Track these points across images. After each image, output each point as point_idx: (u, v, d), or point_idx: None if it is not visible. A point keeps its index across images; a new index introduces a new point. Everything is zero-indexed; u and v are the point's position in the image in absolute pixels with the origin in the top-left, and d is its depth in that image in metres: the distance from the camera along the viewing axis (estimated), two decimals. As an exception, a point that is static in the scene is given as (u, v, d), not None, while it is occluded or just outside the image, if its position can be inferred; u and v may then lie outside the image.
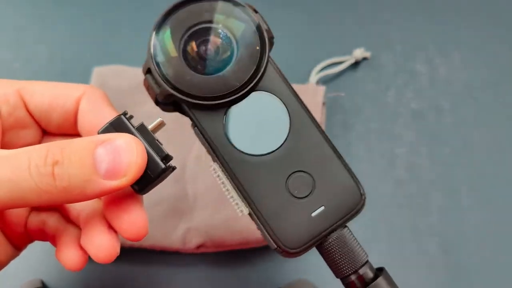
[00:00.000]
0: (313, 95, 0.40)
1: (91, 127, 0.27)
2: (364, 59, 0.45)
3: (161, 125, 0.25)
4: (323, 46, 0.46)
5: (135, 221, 0.25)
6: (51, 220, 0.29)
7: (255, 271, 0.38)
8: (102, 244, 0.25)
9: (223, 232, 0.37)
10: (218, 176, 0.25)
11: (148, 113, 0.40)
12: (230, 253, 0.38)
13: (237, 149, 0.24)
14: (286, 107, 0.25)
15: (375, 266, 0.27)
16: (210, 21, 0.25)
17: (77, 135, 0.28)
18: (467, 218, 0.39)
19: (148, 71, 0.25)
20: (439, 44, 0.46)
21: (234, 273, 0.37)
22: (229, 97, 0.24)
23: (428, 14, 0.47)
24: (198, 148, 0.39)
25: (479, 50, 0.45)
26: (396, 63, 0.45)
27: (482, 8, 0.47)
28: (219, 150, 0.24)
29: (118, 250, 0.26)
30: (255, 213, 0.24)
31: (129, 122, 0.24)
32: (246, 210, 0.24)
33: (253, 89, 0.25)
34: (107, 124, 0.24)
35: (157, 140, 0.24)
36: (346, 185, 0.25)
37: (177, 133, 0.39)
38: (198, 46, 0.25)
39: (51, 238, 0.29)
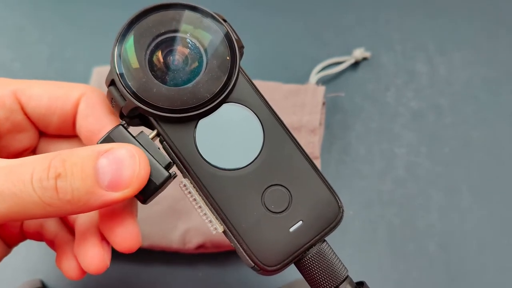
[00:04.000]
0: (313, 95, 0.40)
1: (90, 131, 0.26)
2: (364, 59, 0.45)
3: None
4: (323, 46, 0.46)
5: (128, 235, 0.25)
6: (49, 224, 0.28)
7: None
8: (93, 257, 0.25)
9: (223, 232, 0.37)
10: (190, 192, 0.23)
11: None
12: (230, 253, 0.38)
13: (209, 164, 0.23)
14: (259, 119, 0.24)
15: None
16: (178, 30, 0.24)
17: (75, 136, 0.28)
18: (467, 217, 0.39)
19: (111, 83, 0.23)
20: (439, 44, 0.46)
21: (234, 273, 0.37)
22: (199, 109, 0.23)
23: (428, 14, 0.47)
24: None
25: (479, 49, 0.45)
26: (396, 63, 0.45)
27: (482, 8, 0.47)
28: (190, 165, 0.23)
29: (108, 263, 0.26)
30: (230, 231, 0.23)
31: (128, 131, 0.23)
32: (220, 228, 0.23)
33: (224, 101, 0.23)
34: (106, 134, 0.23)
35: (159, 147, 0.24)
36: (324, 198, 0.24)
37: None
38: (165, 56, 0.23)
39: (49, 242, 0.29)
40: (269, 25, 0.47)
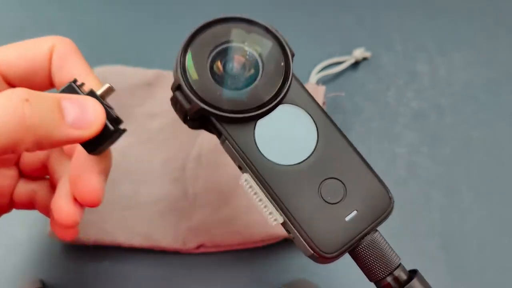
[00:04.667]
0: (313, 94, 0.39)
1: (63, 84, 0.27)
2: (364, 59, 0.45)
3: (109, 90, 0.26)
4: (323, 46, 0.46)
5: (87, 187, 0.26)
6: (42, 193, 0.30)
7: (255, 271, 0.37)
8: (62, 208, 0.27)
9: (223, 232, 0.36)
10: (251, 187, 0.25)
11: (148, 112, 0.40)
12: (230, 253, 0.38)
13: (269, 160, 0.25)
14: (312, 118, 0.26)
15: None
16: (236, 41, 0.26)
17: None
18: (467, 217, 0.39)
19: (177, 88, 0.25)
20: (439, 44, 0.46)
21: (234, 273, 0.37)
22: (258, 111, 0.25)
23: (428, 14, 0.47)
24: (198, 148, 0.39)
25: (479, 50, 0.45)
26: (396, 63, 0.45)
27: (482, 8, 0.47)
28: (252, 161, 0.25)
29: (78, 219, 0.27)
30: (290, 221, 0.24)
31: (80, 90, 0.25)
32: (280, 219, 0.25)
33: (280, 102, 0.26)
34: (59, 91, 0.25)
35: (107, 104, 0.26)
36: (376, 190, 0.26)
37: (177, 134, 0.39)
38: (225, 64, 0.26)
39: (42, 208, 0.30)
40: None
